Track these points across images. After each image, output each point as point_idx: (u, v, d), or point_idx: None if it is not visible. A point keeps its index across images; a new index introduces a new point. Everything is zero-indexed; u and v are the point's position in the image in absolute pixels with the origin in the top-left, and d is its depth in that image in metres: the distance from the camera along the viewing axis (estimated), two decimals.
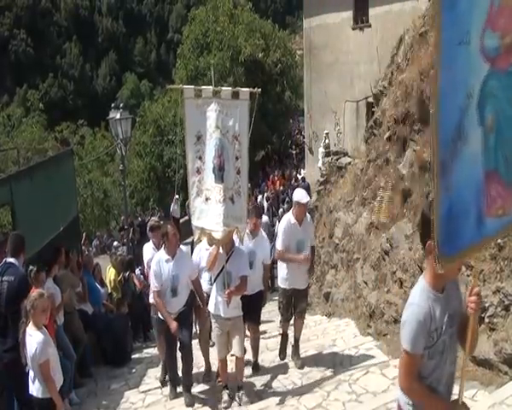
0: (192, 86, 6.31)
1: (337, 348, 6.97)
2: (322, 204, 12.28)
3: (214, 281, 5.99)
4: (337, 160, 13.64)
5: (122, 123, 13.78)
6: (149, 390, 6.76)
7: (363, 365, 6.16)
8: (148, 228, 7.86)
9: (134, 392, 6.88)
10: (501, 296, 4.92)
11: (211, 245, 6.18)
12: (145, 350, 9.03)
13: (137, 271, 10.28)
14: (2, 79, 75.59)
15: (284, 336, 6.93)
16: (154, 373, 7.33)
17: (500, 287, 4.95)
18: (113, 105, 14.79)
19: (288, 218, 6.50)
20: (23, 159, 17.12)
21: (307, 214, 6.69)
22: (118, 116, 13.85)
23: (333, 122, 18.37)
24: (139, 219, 20.97)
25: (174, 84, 29.49)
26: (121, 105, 14.40)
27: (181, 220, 18.15)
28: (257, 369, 6.74)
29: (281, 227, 6.56)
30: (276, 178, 23.74)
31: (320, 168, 15.90)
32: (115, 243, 15.79)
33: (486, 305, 5.06)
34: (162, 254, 6.08)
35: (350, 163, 12.67)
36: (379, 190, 8.44)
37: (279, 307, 6.83)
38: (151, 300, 6.58)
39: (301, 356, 6.80)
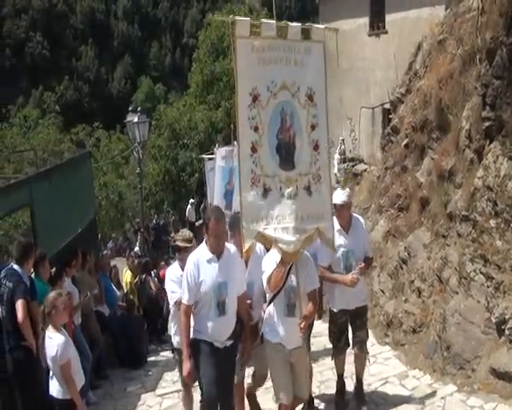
0: (247, 19, 4.32)
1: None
2: None
3: (271, 301, 4.46)
4: (353, 166, 13.65)
5: (140, 126, 13.93)
6: (166, 394, 6.78)
7: (381, 375, 6.11)
8: (176, 247, 5.85)
9: (150, 395, 6.91)
10: None
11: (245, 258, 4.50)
12: (161, 353, 9.06)
13: (153, 273, 10.36)
14: (18, 81, 76.37)
15: (340, 381, 5.50)
16: (171, 377, 7.34)
17: None
18: (130, 109, 15.00)
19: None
20: (40, 160, 17.27)
21: (357, 217, 5.46)
22: (135, 119, 13.98)
23: (348, 128, 18.33)
24: (154, 221, 21.14)
25: (190, 88, 29.65)
26: (139, 109, 14.56)
27: (196, 224, 18.19)
28: (311, 405, 5.43)
29: None
30: None
31: (336, 175, 15.88)
32: (136, 249, 15.94)
33: (506, 317, 5.01)
34: (202, 251, 4.35)
35: (366, 170, 12.67)
36: None
37: (329, 336, 5.49)
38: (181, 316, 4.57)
39: (320, 364, 6.39)
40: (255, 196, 4.19)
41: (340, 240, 5.07)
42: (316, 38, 4.52)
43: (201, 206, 21.56)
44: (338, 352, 5.42)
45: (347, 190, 5.51)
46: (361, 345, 5.33)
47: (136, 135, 14.15)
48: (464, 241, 5.99)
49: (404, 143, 8.62)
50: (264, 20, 4.42)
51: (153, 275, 10.50)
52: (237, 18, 4.17)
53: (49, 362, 4.62)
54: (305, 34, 4.48)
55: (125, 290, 9.93)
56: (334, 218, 5.10)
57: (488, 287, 5.39)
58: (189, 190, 24.81)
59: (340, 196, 5.15)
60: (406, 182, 8.32)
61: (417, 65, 10.13)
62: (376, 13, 17.88)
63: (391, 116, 11.15)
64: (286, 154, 4.30)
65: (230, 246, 4.44)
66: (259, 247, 4.74)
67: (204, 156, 14.48)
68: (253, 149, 4.18)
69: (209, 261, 4.30)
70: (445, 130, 7.36)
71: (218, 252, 4.31)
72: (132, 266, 10.28)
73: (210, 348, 4.31)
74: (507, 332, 4.97)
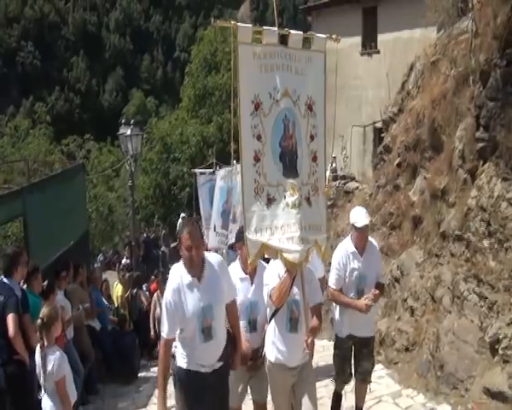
0: (249, 25, 4.17)
1: None
2: (330, 228, 12.29)
3: (272, 316, 4.23)
4: (344, 184, 13.74)
5: (132, 139, 13.87)
6: None
7: (374, 393, 6.07)
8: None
9: None
10: None
11: (249, 272, 4.39)
12: (152, 369, 8.96)
13: (144, 287, 10.30)
14: (9, 91, 76.08)
15: (336, 397, 5.31)
16: None
17: None
18: (123, 121, 14.93)
19: (345, 245, 5.00)
20: (30, 171, 17.20)
21: (372, 240, 5.20)
22: (128, 132, 13.93)
23: (339, 146, 18.46)
24: (144, 235, 21.04)
25: (181, 102, 29.71)
26: (132, 121, 14.51)
27: None
28: None
29: (335, 257, 4.99)
30: None
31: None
32: (124, 261, 15.86)
33: (500, 337, 5.05)
34: (181, 275, 3.82)
35: (357, 188, 12.75)
36: None
37: (334, 361, 5.23)
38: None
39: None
40: (259, 206, 4.05)
41: (353, 263, 4.93)
42: (317, 48, 4.44)
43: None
44: (341, 380, 5.20)
45: (365, 209, 5.23)
46: (364, 376, 5.15)
47: (128, 148, 14.07)
48: (457, 260, 6.04)
49: (397, 161, 8.69)
50: (266, 27, 4.22)
51: (144, 289, 10.44)
52: (239, 24, 4.04)
53: (43, 378, 4.55)
54: (307, 43, 4.40)
55: (116, 304, 9.86)
56: (349, 239, 5.03)
57: (482, 307, 5.43)
58: (180, 204, 24.79)
59: (362, 218, 4.89)
60: (398, 200, 8.39)
61: (410, 85, 10.24)
62: (369, 32, 18.11)
63: (382, 135, 11.24)
64: (289, 162, 4.16)
65: (212, 256, 4.01)
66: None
67: (196, 170, 14.45)
68: (256, 158, 4.04)
69: (189, 286, 3.79)
70: (437, 149, 7.44)
71: (197, 274, 3.80)
72: (123, 280, 10.21)
73: (197, 380, 3.85)
74: (500, 352, 5.00)
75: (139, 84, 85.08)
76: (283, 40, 4.20)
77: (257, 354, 4.48)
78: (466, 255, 5.88)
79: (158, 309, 9.51)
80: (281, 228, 4.04)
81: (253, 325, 4.49)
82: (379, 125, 14.05)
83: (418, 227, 7.58)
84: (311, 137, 4.32)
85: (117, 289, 10.13)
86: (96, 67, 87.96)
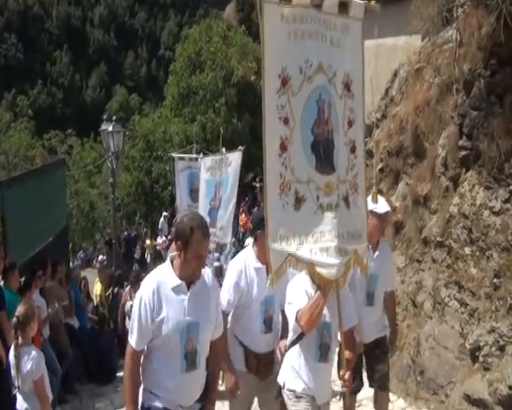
0: None
1: None
2: None
3: (296, 341, 3.50)
4: None
5: (114, 136, 13.71)
6: None
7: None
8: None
9: None
10: (496, 336, 4.94)
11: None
12: None
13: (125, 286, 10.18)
14: None
15: None
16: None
17: (495, 327, 4.97)
18: (105, 117, 14.75)
19: None
20: (10, 165, 16.97)
21: (384, 239, 4.71)
22: (110, 128, 13.76)
23: None
24: (125, 233, 20.86)
25: (165, 100, 29.50)
26: (114, 118, 14.35)
27: (169, 237, 18.01)
28: None
29: None
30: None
31: None
32: (100, 257, 15.65)
33: (481, 344, 5.08)
34: (166, 274, 3.03)
35: None
36: None
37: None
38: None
39: None
40: (285, 208, 3.19)
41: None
42: (355, 15, 3.54)
43: (174, 219, 21.28)
44: (352, 391, 4.27)
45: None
46: (383, 381, 4.56)
47: (110, 144, 13.88)
48: (439, 266, 6.08)
49: (379, 167, 8.73)
50: None
51: (125, 288, 10.31)
52: None
53: (20, 379, 4.44)
54: (343, 8, 3.50)
55: (96, 303, 9.74)
56: None
57: (462, 313, 5.47)
58: (162, 203, 24.61)
59: (383, 204, 4.37)
60: None
61: (394, 91, 10.30)
62: None
63: (366, 140, 11.28)
64: (324, 153, 3.32)
65: (207, 272, 3.21)
66: None
67: (174, 155, 13.93)
68: (282, 147, 3.18)
69: (175, 290, 2.98)
70: (420, 156, 7.49)
71: (188, 279, 3.01)
72: (103, 279, 10.09)
73: None
74: (481, 359, 5.02)
75: (123, 81, 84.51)
76: (317, 3, 3.36)
77: (271, 358, 3.89)
78: (447, 262, 5.92)
79: (128, 303, 8.46)
80: (312, 236, 3.24)
81: (268, 325, 3.81)
82: None
83: (400, 233, 7.62)
84: (349, 124, 3.51)
85: (96, 288, 10.01)
86: (80, 62, 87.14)
